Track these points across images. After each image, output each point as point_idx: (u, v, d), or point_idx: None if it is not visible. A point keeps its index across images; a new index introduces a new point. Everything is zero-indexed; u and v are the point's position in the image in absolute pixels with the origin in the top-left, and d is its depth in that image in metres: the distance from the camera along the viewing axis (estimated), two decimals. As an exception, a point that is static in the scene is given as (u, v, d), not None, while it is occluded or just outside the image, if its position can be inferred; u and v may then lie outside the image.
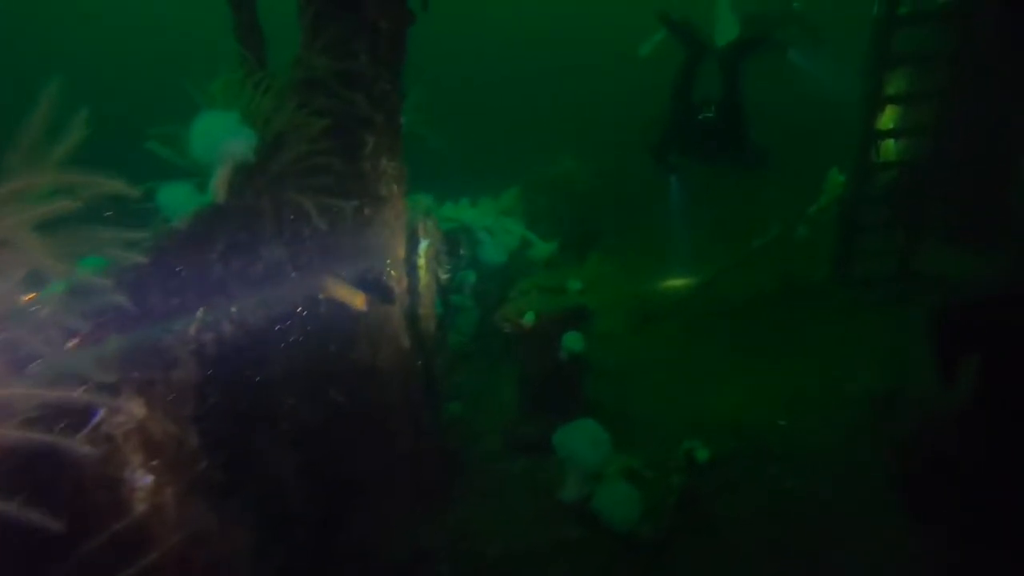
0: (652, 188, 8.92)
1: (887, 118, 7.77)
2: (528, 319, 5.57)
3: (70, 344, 1.94)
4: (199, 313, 2.46)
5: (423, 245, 5.08)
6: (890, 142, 8.09)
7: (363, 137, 4.16)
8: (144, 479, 2.01)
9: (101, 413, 1.90)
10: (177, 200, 2.75)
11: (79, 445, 1.75)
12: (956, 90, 7.54)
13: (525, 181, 9.01)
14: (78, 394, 1.83)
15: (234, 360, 2.74)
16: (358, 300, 3.63)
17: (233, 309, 2.73)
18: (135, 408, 2.06)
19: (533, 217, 9.05)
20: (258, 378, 3.10)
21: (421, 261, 5.09)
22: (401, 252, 4.56)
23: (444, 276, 6.00)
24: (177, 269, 2.57)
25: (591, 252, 6.92)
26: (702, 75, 7.80)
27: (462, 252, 7.30)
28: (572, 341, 5.49)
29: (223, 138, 2.80)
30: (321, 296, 3.59)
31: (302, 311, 3.63)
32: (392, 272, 4.44)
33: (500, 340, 6.46)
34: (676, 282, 8.77)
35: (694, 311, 7.92)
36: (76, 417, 1.87)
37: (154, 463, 2.08)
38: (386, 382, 4.43)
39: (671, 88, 7.77)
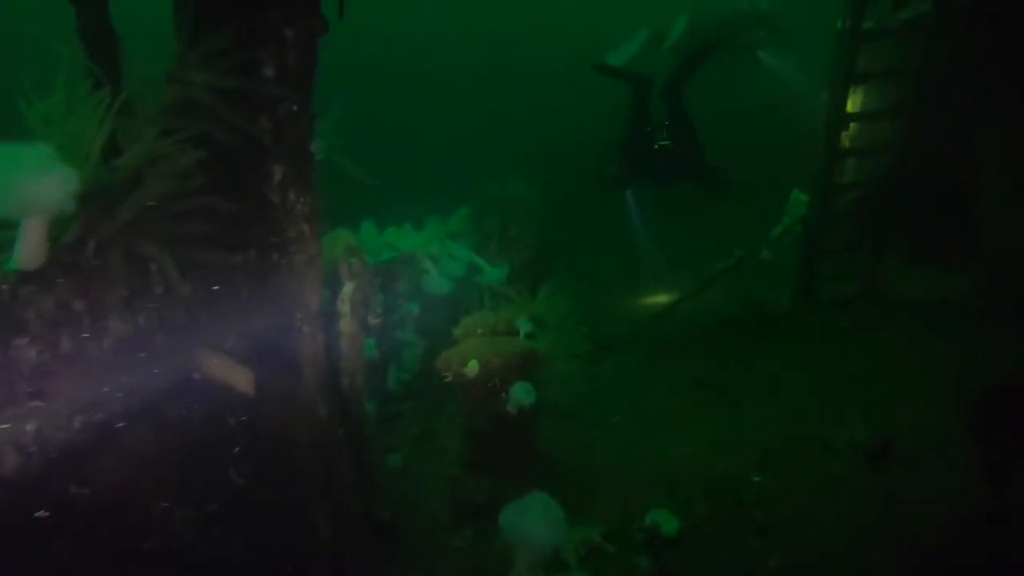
0: (608, 211, 8.23)
1: (851, 135, 7.19)
2: (472, 367, 4.76)
3: None
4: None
5: (347, 289, 4.23)
6: (853, 160, 7.52)
7: (263, 170, 3.31)
8: None
9: None
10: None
11: None
12: (921, 107, 7.02)
13: (475, 203, 8.21)
14: None
15: (23, 496, 1.88)
16: (242, 379, 2.78)
17: (28, 427, 1.87)
18: None
19: (483, 240, 8.25)
20: (92, 497, 2.23)
21: (345, 308, 4.24)
22: (315, 302, 3.69)
23: (375, 320, 5.16)
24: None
25: (543, 281, 6.19)
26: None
27: (401, 286, 6.44)
28: (521, 393, 4.70)
29: (24, 181, 1.94)
30: (196, 376, 2.73)
31: (173, 392, 2.77)
32: (304, 329, 3.58)
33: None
34: (636, 308, 8.07)
35: (655, 341, 7.20)
36: None
37: None
38: (298, 463, 3.57)
39: (625, 121, 7.27)
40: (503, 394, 4.78)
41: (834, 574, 3.65)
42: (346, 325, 4.25)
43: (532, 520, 3.82)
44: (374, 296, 5.11)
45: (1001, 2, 6.50)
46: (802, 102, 8.05)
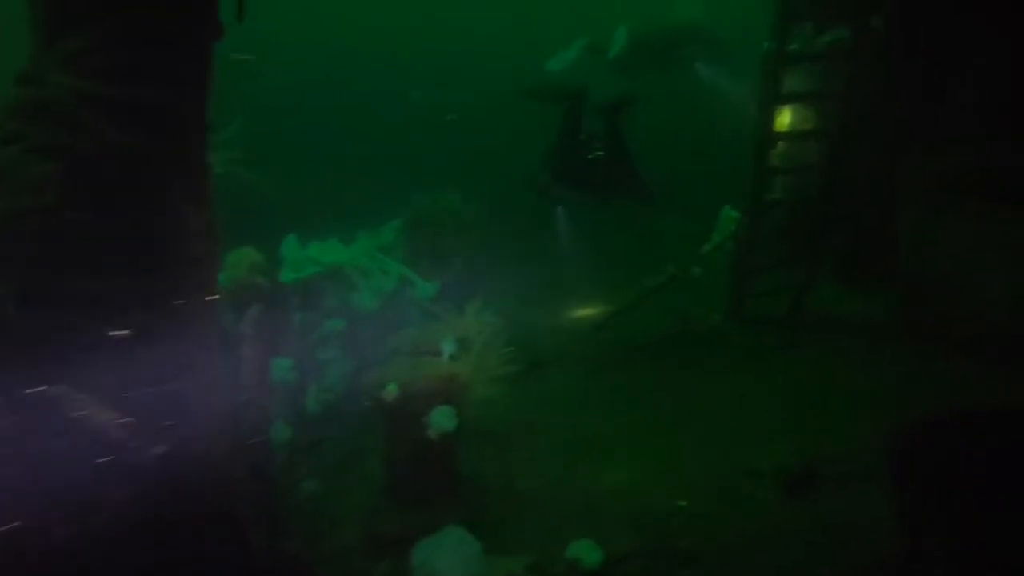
0: (541, 225, 8.03)
1: (780, 153, 7.15)
2: (390, 391, 4.44)
3: None
4: None
5: (251, 311, 3.87)
6: (782, 178, 7.49)
7: (149, 184, 2.95)
8: None
9: None
10: None
11: None
12: (844, 129, 7.04)
13: (406, 216, 7.87)
14: None
15: None
16: (105, 419, 2.42)
17: None
18: None
19: (415, 254, 7.91)
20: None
21: (250, 331, 3.88)
22: (212, 327, 3.33)
23: (290, 341, 4.80)
24: None
25: (472, 298, 5.89)
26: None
27: (327, 302, 6.07)
28: (442, 418, 4.40)
29: None
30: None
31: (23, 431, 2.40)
32: (199, 356, 3.22)
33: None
34: (567, 324, 7.85)
35: (584, 359, 6.98)
36: None
37: None
38: (189, 499, 3.20)
39: (558, 133, 7.14)
40: (423, 420, 4.48)
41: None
42: (250, 350, 3.89)
43: (446, 558, 3.54)
44: (288, 316, 4.76)
45: (916, 30, 6.56)
46: (736, 117, 8.02)
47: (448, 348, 4.92)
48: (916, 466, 2.37)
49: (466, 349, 5.00)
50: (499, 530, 4.44)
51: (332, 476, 5.43)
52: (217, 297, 3.22)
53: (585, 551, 3.88)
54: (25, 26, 2.61)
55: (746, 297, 7.36)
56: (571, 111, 7.02)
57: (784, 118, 7.20)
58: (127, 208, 2.89)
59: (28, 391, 2.41)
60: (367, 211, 7.32)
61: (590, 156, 6.82)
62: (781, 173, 7.32)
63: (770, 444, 5.00)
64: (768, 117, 6.78)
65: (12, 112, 2.38)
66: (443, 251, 7.96)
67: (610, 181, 6.92)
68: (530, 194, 7.19)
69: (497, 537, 4.32)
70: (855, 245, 7.62)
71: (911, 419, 2.46)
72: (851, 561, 3.33)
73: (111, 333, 2.81)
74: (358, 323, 6.73)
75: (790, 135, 7.22)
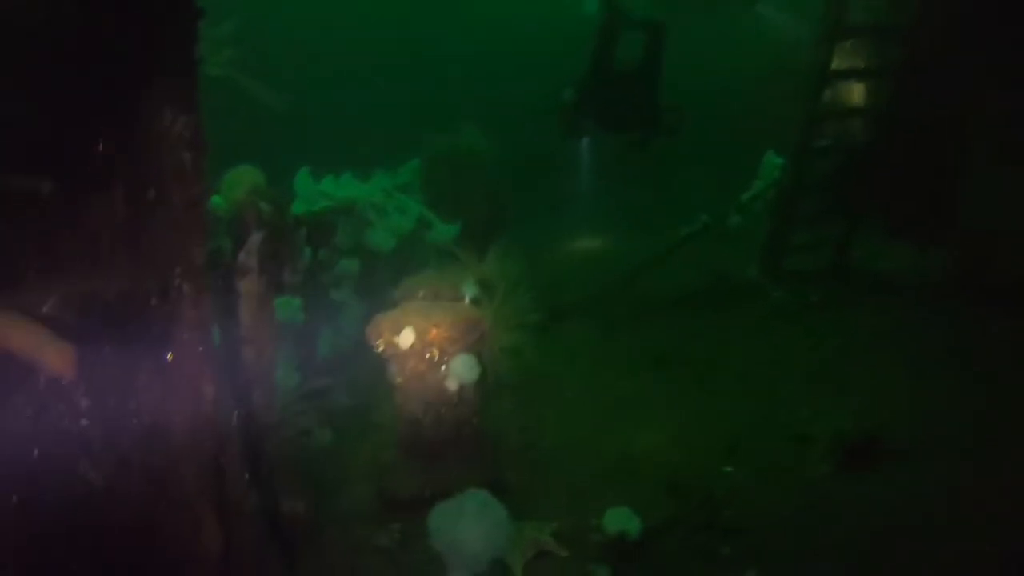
0: (566, 165, 7.43)
1: (834, 95, 6.48)
2: (406, 336, 3.96)
3: None
4: None
5: (253, 240, 3.36)
6: (833, 122, 6.81)
7: (117, 78, 2.42)
8: None
9: None
10: None
11: None
12: (909, 68, 6.34)
13: (424, 154, 7.31)
14: None
15: None
16: (55, 356, 1.94)
17: None
18: None
19: (433, 195, 7.39)
20: None
21: (251, 262, 3.38)
22: (199, 254, 2.82)
23: (295, 278, 4.30)
24: None
25: (494, 241, 5.39)
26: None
27: (339, 240, 5.57)
28: (463, 367, 3.92)
29: None
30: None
31: None
32: (184, 288, 2.73)
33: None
34: (594, 273, 7.32)
35: (613, 311, 6.47)
36: None
37: None
38: (174, 453, 2.75)
39: (592, 53, 6.54)
40: (442, 368, 4.01)
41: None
42: (251, 284, 3.40)
43: (467, 524, 3.09)
44: (295, 249, 4.26)
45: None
46: (787, 60, 7.31)
47: (470, 292, 4.43)
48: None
49: (488, 294, 4.50)
50: (522, 492, 4.01)
51: (345, 426, 5.01)
52: (203, 216, 2.72)
53: (625, 519, 3.42)
54: None
55: (786, 249, 6.79)
56: (603, 34, 6.46)
57: (842, 56, 6.51)
58: (86, 102, 2.37)
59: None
60: (385, 151, 6.73)
61: (619, 71, 6.28)
62: (834, 117, 6.66)
63: (818, 408, 4.51)
64: (826, 54, 6.09)
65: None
66: (463, 193, 7.42)
67: (634, 107, 6.34)
68: (562, 128, 6.57)
69: (520, 500, 3.88)
70: (909, 195, 6.99)
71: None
72: (931, 547, 2.86)
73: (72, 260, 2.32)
74: (373, 264, 6.26)
75: (848, 74, 6.53)
